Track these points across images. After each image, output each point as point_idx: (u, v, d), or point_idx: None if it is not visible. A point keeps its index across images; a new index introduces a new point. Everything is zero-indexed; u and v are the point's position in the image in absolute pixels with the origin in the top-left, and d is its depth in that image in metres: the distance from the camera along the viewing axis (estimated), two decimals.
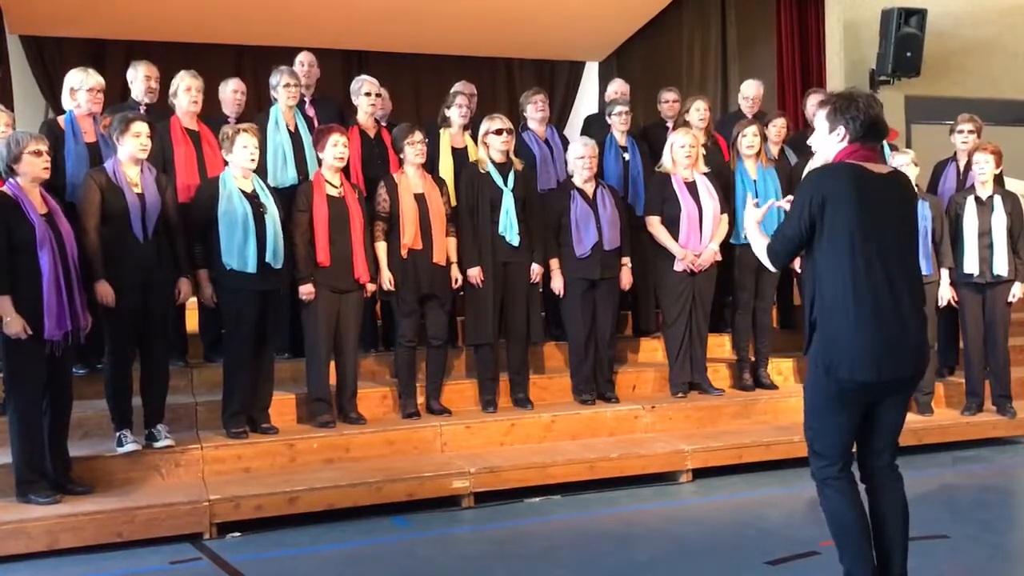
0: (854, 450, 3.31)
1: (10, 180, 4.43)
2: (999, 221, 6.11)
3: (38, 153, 4.44)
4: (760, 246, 3.39)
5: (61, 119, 5.32)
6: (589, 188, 5.92)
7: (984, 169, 6.14)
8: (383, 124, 6.30)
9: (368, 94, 6.05)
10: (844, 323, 3.11)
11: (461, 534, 4.75)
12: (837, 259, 3.13)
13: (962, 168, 6.69)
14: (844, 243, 3.11)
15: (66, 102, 5.32)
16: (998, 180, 6.32)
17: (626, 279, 6.07)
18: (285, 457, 5.14)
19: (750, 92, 7.18)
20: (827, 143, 3.29)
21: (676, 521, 4.85)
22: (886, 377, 3.12)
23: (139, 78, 5.83)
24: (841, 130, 3.24)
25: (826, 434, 3.26)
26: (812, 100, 7.08)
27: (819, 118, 3.31)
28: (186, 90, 5.58)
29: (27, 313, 4.32)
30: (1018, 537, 4.61)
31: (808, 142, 3.41)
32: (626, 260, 6.05)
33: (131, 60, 6.15)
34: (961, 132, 6.64)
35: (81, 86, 5.23)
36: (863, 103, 3.21)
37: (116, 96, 6.91)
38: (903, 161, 5.94)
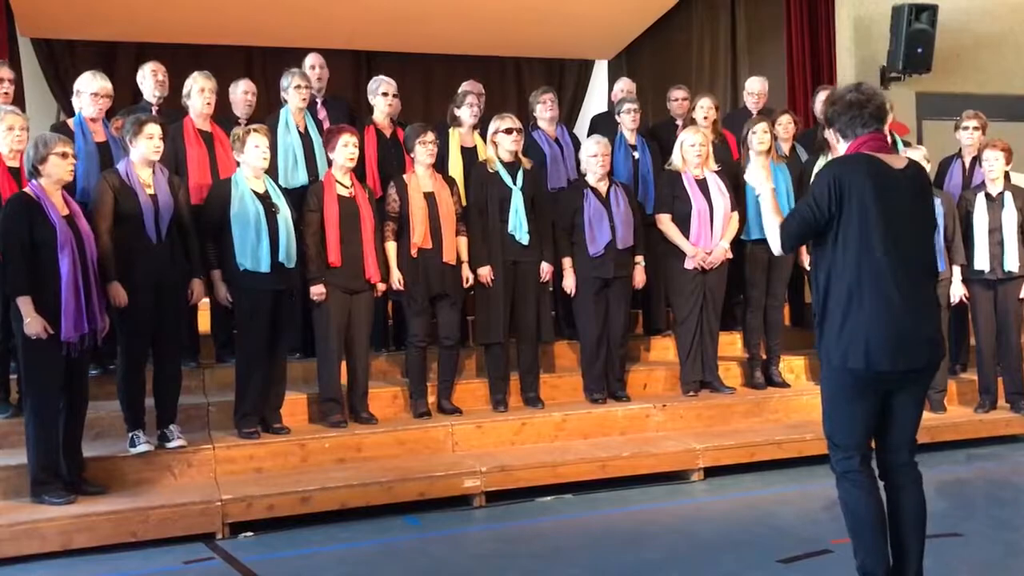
0: (873, 445, 3.30)
1: (33, 181, 4.46)
2: (1010, 217, 6.09)
3: (64, 155, 4.48)
4: (772, 223, 3.34)
5: (71, 121, 5.36)
6: (602, 187, 5.91)
7: (994, 166, 6.12)
8: (396, 123, 6.31)
9: (385, 94, 6.06)
10: (858, 314, 3.12)
11: (473, 533, 4.75)
12: (852, 250, 3.13)
13: (967, 164, 6.67)
14: (860, 234, 3.12)
15: (75, 104, 5.36)
16: (1008, 176, 6.28)
17: (639, 278, 6.07)
18: (297, 457, 5.16)
19: (755, 88, 7.18)
20: (837, 148, 3.37)
21: (688, 520, 4.85)
22: (900, 368, 3.13)
23: (147, 75, 5.89)
24: (832, 132, 3.33)
25: (843, 425, 3.26)
26: (822, 96, 7.08)
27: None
28: (199, 91, 5.60)
29: (46, 314, 4.34)
30: None
31: (827, 133, 3.45)
32: (639, 258, 6.04)
33: (141, 62, 6.17)
34: (966, 129, 6.61)
35: (86, 89, 5.26)
36: (835, 96, 3.27)
37: (127, 98, 6.94)
38: (915, 157, 5.90)
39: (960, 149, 6.75)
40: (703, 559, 4.18)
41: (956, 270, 6.16)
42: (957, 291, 6.17)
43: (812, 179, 3.32)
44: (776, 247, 3.35)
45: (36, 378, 4.43)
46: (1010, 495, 5.27)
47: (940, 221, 6.00)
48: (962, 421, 6.22)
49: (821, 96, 7.05)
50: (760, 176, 3.50)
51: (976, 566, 4.07)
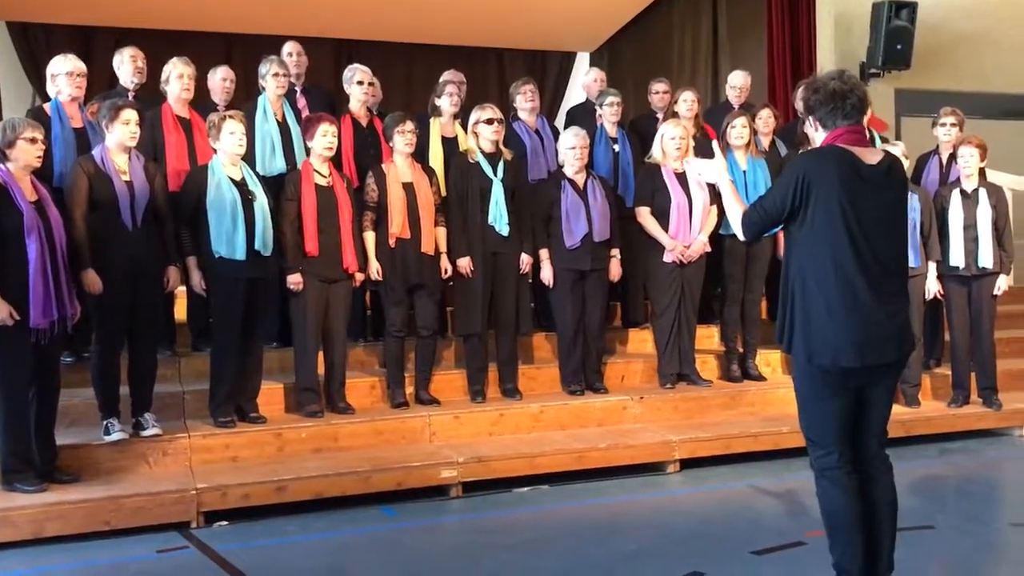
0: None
1: (1, 166, 4.41)
2: (984, 214, 6.13)
3: (33, 140, 4.43)
4: (734, 211, 3.38)
5: (47, 106, 5.30)
6: (580, 179, 5.91)
7: (969, 162, 6.15)
8: (374, 113, 6.28)
9: (360, 83, 6.02)
10: (825, 311, 3.13)
11: (449, 524, 4.76)
12: (819, 247, 3.14)
13: (944, 161, 6.72)
14: (826, 229, 3.12)
15: (50, 89, 5.31)
16: (983, 173, 6.33)
17: (615, 271, 6.07)
18: (273, 446, 5.14)
19: (737, 82, 7.20)
20: (815, 138, 3.34)
21: (664, 511, 4.87)
22: (869, 363, 3.13)
23: (125, 60, 5.81)
24: (811, 120, 3.29)
25: (818, 422, 3.27)
26: (801, 93, 7.11)
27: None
28: (178, 77, 5.56)
29: (14, 301, 4.28)
30: (1002, 528, 4.64)
31: (807, 128, 3.43)
32: (615, 251, 6.05)
33: (119, 47, 6.10)
34: (944, 125, 6.66)
35: (60, 71, 5.20)
36: (816, 84, 3.24)
37: (104, 84, 6.88)
38: (894, 153, 5.94)
39: (937, 145, 6.80)
40: (678, 551, 4.20)
41: (932, 266, 6.20)
42: (932, 287, 6.21)
43: (784, 169, 3.33)
44: (739, 235, 3.38)
45: (5, 365, 4.36)
46: (981, 489, 5.34)
47: (916, 217, 6.05)
48: (936, 415, 6.27)
49: (801, 91, 7.08)
50: (718, 168, 3.52)
51: (947, 558, 4.12)
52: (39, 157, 4.49)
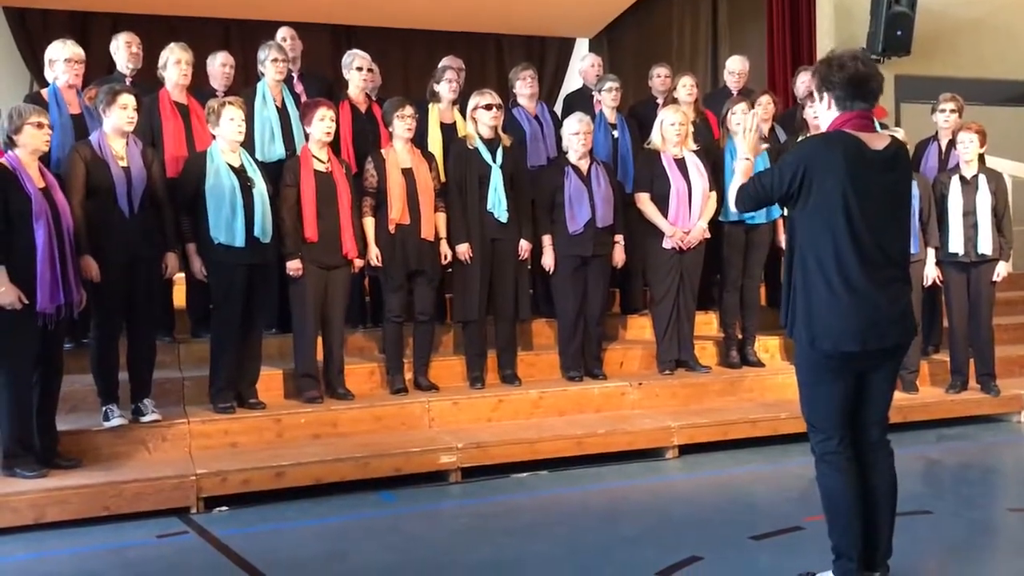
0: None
1: (8, 152, 4.41)
2: (984, 200, 6.12)
3: (39, 125, 4.44)
4: (737, 185, 3.37)
5: (45, 92, 5.29)
6: (583, 164, 5.90)
7: (968, 148, 6.14)
8: (373, 99, 6.26)
9: (359, 68, 6.01)
10: (827, 295, 3.12)
11: (448, 509, 4.76)
12: (822, 231, 3.13)
13: (944, 147, 6.70)
14: (830, 215, 3.10)
15: (48, 75, 5.30)
16: (982, 159, 6.32)
17: (618, 256, 6.07)
18: (272, 432, 5.15)
19: (736, 67, 7.19)
20: (823, 115, 3.28)
21: (662, 497, 4.88)
22: (870, 347, 3.14)
23: (121, 46, 5.80)
24: (826, 97, 3.23)
25: (819, 407, 3.27)
26: (802, 78, 7.10)
27: (814, 91, 3.31)
28: (176, 63, 5.54)
29: (21, 286, 4.30)
30: (999, 513, 4.65)
31: (807, 114, 3.40)
32: (619, 237, 6.04)
33: (116, 33, 6.09)
34: (943, 111, 6.63)
35: (59, 57, 5.20)
36: (840, 61, 3.17)
37: (102, 69, 6.85)
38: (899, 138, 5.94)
39: (937, 132, 6.78)
40: (677, 536, 4.20)
41: (930, 252, 6.20)
42: (931, 273, 6.21)
43: (790, 149, 3.29)
44: (732, 205, 3.38)
45: (10, 349, 4.37)
46: (978, 474, 5.35)
47: (915, 203, 6.04)
48: (933, 401, 6.28)
49: (802, 77, 7.07)
50: (743, 147, 3.49)
51: (944, 543, 4.12)
52: (46, 142, 4.51)
